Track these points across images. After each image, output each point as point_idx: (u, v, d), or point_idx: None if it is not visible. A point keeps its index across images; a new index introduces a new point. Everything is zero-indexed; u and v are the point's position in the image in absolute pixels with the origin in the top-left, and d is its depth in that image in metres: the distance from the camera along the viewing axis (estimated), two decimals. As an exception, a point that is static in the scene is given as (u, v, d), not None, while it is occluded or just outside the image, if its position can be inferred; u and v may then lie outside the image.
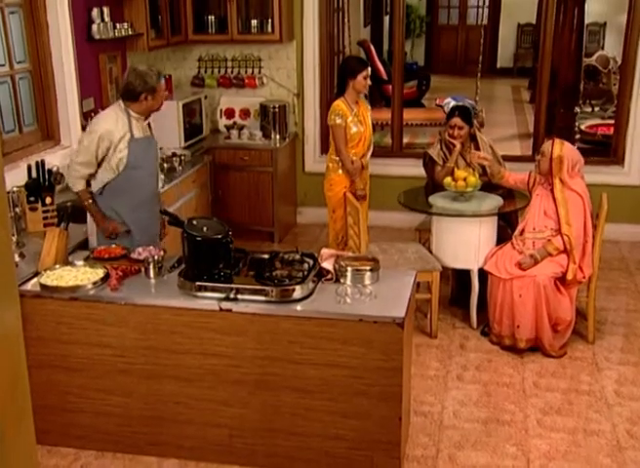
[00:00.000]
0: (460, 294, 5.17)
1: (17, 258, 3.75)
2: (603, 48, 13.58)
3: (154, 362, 3.48)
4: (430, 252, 4.92)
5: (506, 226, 5.06)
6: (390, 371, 3.25)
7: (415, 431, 3.80)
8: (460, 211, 4.79)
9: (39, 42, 4.81)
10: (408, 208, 5.02)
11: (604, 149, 7.09)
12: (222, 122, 6.70)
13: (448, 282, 5.26)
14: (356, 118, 5.07)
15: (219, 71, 6.76)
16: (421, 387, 4.21)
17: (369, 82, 5.05)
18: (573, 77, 9.18)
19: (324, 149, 6.55)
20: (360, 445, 3.39)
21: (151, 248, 3.79)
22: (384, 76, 10.59)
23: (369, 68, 5.05)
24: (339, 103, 5.04)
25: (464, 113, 5.11)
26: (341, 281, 3.49)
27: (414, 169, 6.02)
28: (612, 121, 7.48)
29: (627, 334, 4.85)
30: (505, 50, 15.75)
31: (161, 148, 5.65)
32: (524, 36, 15.65)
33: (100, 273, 3.56)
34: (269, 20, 6.25)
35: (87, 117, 5.15)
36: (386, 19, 13.49)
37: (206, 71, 6.78)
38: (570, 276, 4.46)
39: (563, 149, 4.53)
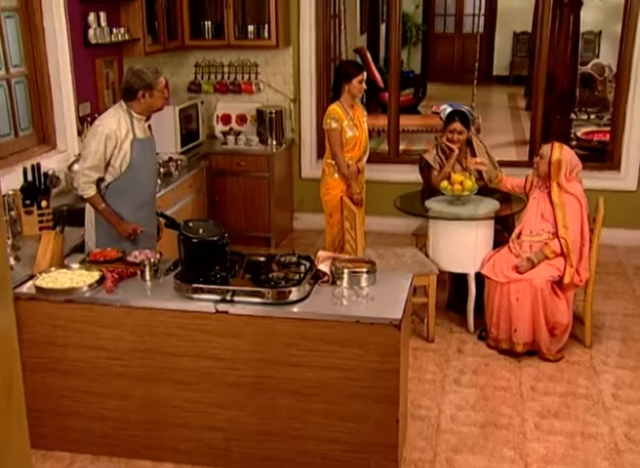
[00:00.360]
0: (456, 299, 5.15)
1: (12, 261, 3.73)
2: (598, 56, 13.65)
3: (150, 364, 3.46)
4: (427, 256, 4.91)
5: (503, 230, 5.06)
6: (387, 374, 3.24)
7: (412, 435, 3.78)
8: (457, 214, 4.79)
9: (35, 46, 4.81)
10: (404, 212, 5.02)
11: (600, 155, 7.10)
12: (219, 128, 6.70)
13: (445, 287, 5.25)
14: (352, 122, 5.07)
15: (215, 77, 6.76)
16: (419, 391, 4.19)
17: (364, 86, 5.06)
18: (569, 84, 9.21)
19: (320, 155, 6.54)
20: (357, 448, 3.37)
21: (147, 251, 3.77)
22: (381, 84, 10.62)
23: (364, 73, 5.05)
24: (334, 107, 5.05)
25: (464, 118, 5.12)
26: (338, 283, 3.48)
27: (410, 174, 6.02)
28: (608, 128, 7.51)
29: (625, 339, 4.84)
30: (501, 58, 15.80)
31: (157, 153, 5.66)
32: (520, 44, 15.70)
33: (95, 276, 3.55)
34: (266, 26, 6.27)
35: (83, 122, 5.16)
36: (383, 26, 13.54)
37: (202, 77, 6.78)
38: (567, 279, 4.45)
39: (562, 153, 4.53)
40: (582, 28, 10.27)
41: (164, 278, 3.58)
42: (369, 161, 5.54)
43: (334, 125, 5.00)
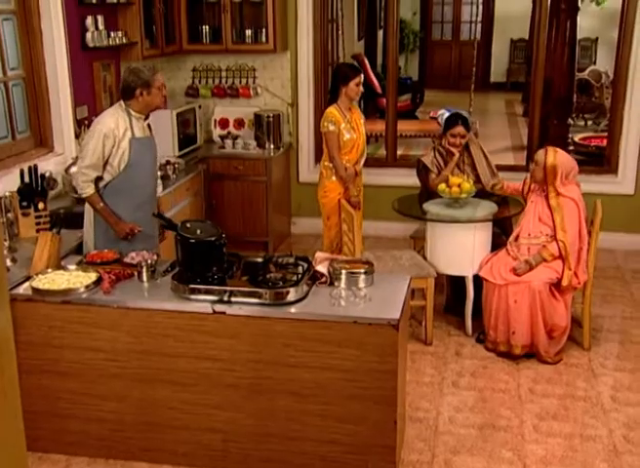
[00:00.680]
0: (454, 302, 5.15)
1: (8, 263, 3.71)
2: (595, 63, 13.69)
3: (147, 366, 3.44)
4: (425, 259, 4.90)
5: (501, 233, 5.05)
6: (385, 374, 3.23)
7: (410, 436, 3.76)
8: (455, 217, 4.79)
9: (33, 49, 4.80)
10: (402, 214, 5.01)
11: (597, 160, 7.11)
12: (217, 132, 6.70)
13: (442, 291, 5.24)
14: (349, 125, 5.07)
15: (213, 81, 6.77)
16: (417, 393, 4.18)
17: (361, 89, 5.06)
18: (566, 90, 9.21)
19: (318, 159, 6.54)
20: (355, 449, 3.35)
21: (144, 252, 3.77)
22: (379, 89, 10.62)
23: (361, 75, 5.06)
24: (331, 110, 5.05)
25: (465, 122, 5.13)
26: (336, 284, 3.47)
27: (408, 178, 6.01)
28: (605, 134, 7.53)
29: (623, 341, 4.83)
30: (499, 65, 15.83)
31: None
32: (517, 51, 15.74)
33: (92, 277, 3.54)
34: (263, 30, 6.27)
35: (80, 125, 5.15)
36: (380, 33, 13.56)
37: (200, 81, 6.78)
38: (565, 282, 4.44)
39: (557, 157, 4.53)
40: (579, 35, 10.29)
41: (161, 279, 3.57)
42: (367, 165, 5.54)
43: (331, 127, 5.00)
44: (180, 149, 6.09)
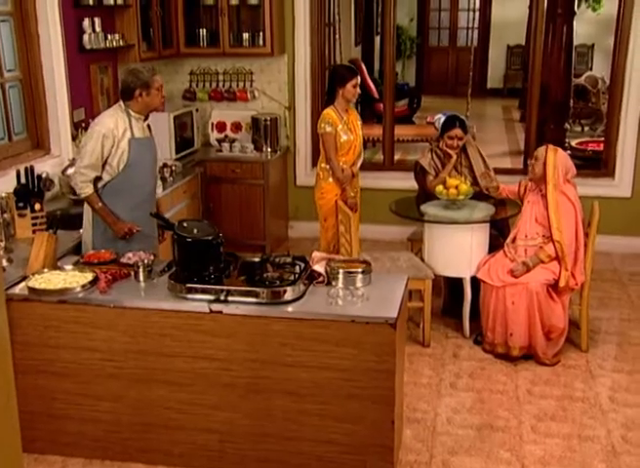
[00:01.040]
0: (452, 305, 5.13)
1: (4, 263, 3.71)
2: (591, 69, 13.74)
3: (144, 366, 3.43)
4: (422, 261, 4.89)
5: (498, 235, 5.05)
6: (383, 374, 3.21)
7: (408, 437, 3.75)
8: (452, 218, 4.78)
9: (30, 51, 4.80)
10: (400, 216, 5.00)
11: (594, 164, 7.11)
12: (214, 136, 6.70)
13: (440, 294, 5.23)
14: (346, 126, 5.07)
15: (210, 85, 6.77)
16: (414, 394, 4.16)
17: (358, 90, 5.06)
18: (562, 94, 9.24)
19: (315, 163, 6.52)
20: (353, 449, 3.34)
21: (141, 252, 3.76)
22: (376, 95, 10.65)
23: (358, 77, 5.06)
24: (328, 112, 5.05)
25: (463, 124, 5.13)
26: (333, 283, 3.46)
27: (405, 182, 6.01)
28: (602, 138, 7.54)
29: (621, 343, 4.82)
30: (495, 71, 15.87)
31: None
32: (514, 58, 15.77)
33: (88, 277, 3.52)
34: (261, 34, 6.27)
35: (77, 127, 5.15)
36: (377, 39, 13.59)
37: (197, 85, 6.78)
38: (562, 283, 4.44)
39: (557, 155, 4.54)
40: (576, 41, 10.32)
41: (158, 279, 3.56)
42: (364, 169, 5.54)
43: (328, 129, 4.99)
44: (177, 152, 6.09)
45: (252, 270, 3.47)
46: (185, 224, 3.47)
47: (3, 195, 4.14)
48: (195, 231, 3.42)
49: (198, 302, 3.30)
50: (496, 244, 4.88)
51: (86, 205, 4.11)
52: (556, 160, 4.53)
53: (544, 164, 4.56)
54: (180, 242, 3.40)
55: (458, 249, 4.75)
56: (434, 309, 4.91)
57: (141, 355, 3.41)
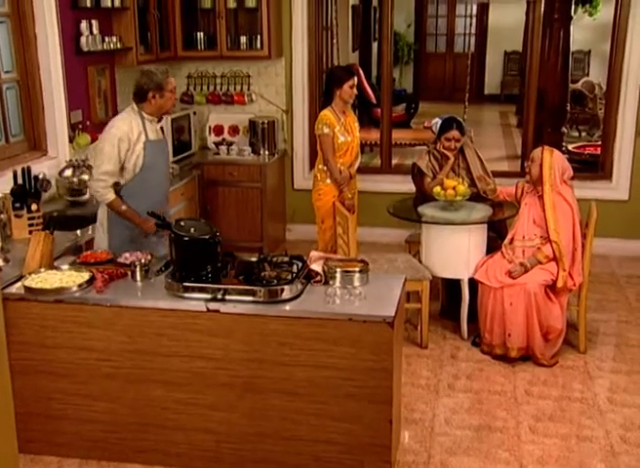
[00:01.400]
0: (450, 307, 5.13)
1: (1, 263, 3.69)
2: (588, 75, 13.78)
3: (141, 365, 3.41)
4: (420, 262, 4.89)
5: (496, 237, 5.04)
6: (380, 373, 3.20)
7: (406, 438, 3.74)
8: (450, 219, 4.78)
9: (27, 52, 4.79)
10: (398, 217, 5.00)
11: (592, 168, 7.12)
12: (211, 139, 6.69)
13: (438, 297, 5.22)
14: (343, 127, 5.07)
15: (207, 88, 6.77)
16: (412, 395, 4.15)
17: (355, 91, 5.07)
18: (560, 98, 9.26)
19: (313, 166, 6.53)
20: (350, 449, 3.32)
21: (138, 252, 3.75)
22: (373, 100, 10.66)
23: (355, 78, 5.07)
24: (326, 113, 5.05)
25: (460, 126, 5.14)
26: (331, 283, 3.45)
27: (403, 185, 6.03)
28: (598, 143, 7.55)
29: (619, 344, 4.81)
30: (493, 77, 15.92)
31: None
32: (511, 63, 15.83)
33: (85, 276, 3.51)
34: (258, 37, 6.28)
35: (74, 129, 5.13)
36: (375, 45, 13.63)
37: (195, 88, 6.78)
38: (560, 283, 4.43)
39: (553, 156, 4.56)
40: (572, 47, 10.36)
41: (155, 278, 3.55)
42: (362, 172, 5.53)
43: (325, 130, 5.00)
44: (174, 155, 6.07)
45: (249, 269, 3.46)
46: (183, 223, 3.46)
47: (0, 195, 4.13)
48: (192, 230, 3.41)
49: (195, 301, 3.29)
50: (493, 246, 4.88)
51: (101, 211, 4.13)
52: (552, 161, 4.54)
53: (541, 165, 4.57)
54: (178, 241, 3.39)
55: (455, 250, 4.74)
56: (432, 311, 4.90)
57: (138, 355, 3.40)
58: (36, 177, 4.30)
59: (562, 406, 4.05)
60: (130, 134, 3.97)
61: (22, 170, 4.24)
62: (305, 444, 3.36)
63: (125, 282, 3.54)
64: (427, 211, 4.92)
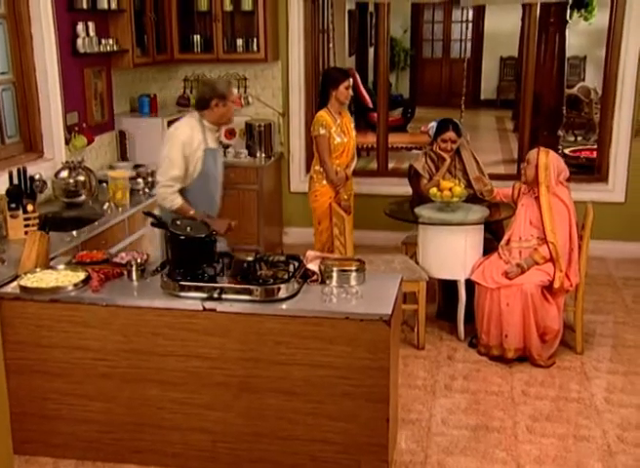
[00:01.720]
0: (446, 308, 5.12)
1: (-4, 263, 3.68)
2: (584, 80, 13.81)
3: (136, 365, 3.40)
4: (417, 264, 4.88)
5: (493, 239, 5.04)
6: (377, 371, 3.19)
7: (403, 437, 3.73)
8: (447, 220, 4.77)
9: (23, 54, 4.79)
10: (394, 218, 4.99)
11: (588, 172, 7.12)
12: (208, 142, 6.68)
13: (434, 299, 5.21)
14: (339, 129, 5.08)
15: (204, 91, 6.76)
16: (409, 396, 4.14)
17: (351, 92, 5.08)
18: (555, 101, 9.29)
19: (309, 169, 6.53)
20: (347, 448, 3.31)
21: (134, 252, 3.74)
22: (370, 104, 10.66)
23: (350, 79, 5.08)
24: (322, 114, 5.06)
25: (456, 127, 5.14)
26: (327, 282, 3.45)
27: (399, 188, 6.02)
28: (595, 146, 7.56)
29: (616, 345, 4.81)
30: (489, 82, 15.94)
31: (144, 165, 5.65)
32: (507, 69, 15.86)
33: (81, 275, 3.50)
34: (255, 40, 6.29)
35: (70, 130, 5.13)
36: (371, 50, 13.65)
37: (191, 91, 6.77)
38: (557, 284, 4.43)
39: (549, 157, 4.56)
40: (568, 53, 10.41)
41: (151, 278, 3.53)
42: (358, 175, 5.53)
43: (322, 131, 5.00)
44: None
45: (246, 268, 3.45)
46: (179, 222, 3.46)
47: (-5, 196, 4.12)
48: (188, 229, 3.41)
49: (191, 300, 3.28)
50: (490, 247, 4.87)
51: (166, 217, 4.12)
52: (548, 162, 4.54)
53: (536, 167, 4.57)
54: (174, 240, 3.38)
55: (452, 251, 4.74)
56: (429, 312, 4.90)
57: (134, 354, 3.39)
58: (32, 178, 4.30)
59: (559, 406, 4.05)
60: (192, 138, 4.06)
61: (18, 170, 4.23)
62: (302, 443, 3.35)
63: (121, 281, 3.53)
64: (424, 212, 4.92)
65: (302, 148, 6.76)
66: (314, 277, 3.47)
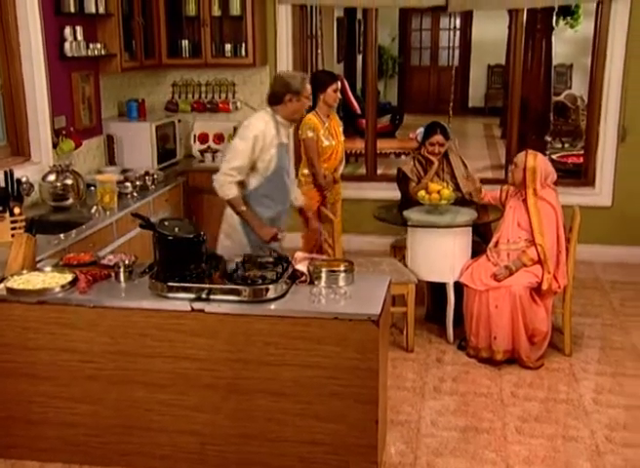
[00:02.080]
0: (435, 311, 5.12)
1: (-18, 266, 3.65)
2: (570, 87, 13.91)
3: (124, 367, 3.37)
4: (406, 267, 4.88)
5: (481, 241, 5.05)
6: (366, 372, 3.19)
7: (392, 439, 3.72)
8: (435, 223, 4.78)
9: (10, 57, 4.76)
10: (383, 221, 4.99)
11: (576, 177, 7.16)
12: (196, 147, 6.68)
13: (423, 301, 5.22)
14: (328, 132, 5.09)
15: (192, 96, 6.77)
16: (398, 398, 4.13)
17: (339, 95, 5.09)
18: (542, 107, 9.34)
19: (297, 172, 6.54)
20: (336, 449, 3.30)
21: (122, 254, 3.72)
22: (358, 110, 10.70)
23: (338, 82, 5.09)
24: (310, 117, 5.06)
25: (444, 131, 5.16)
26: (316, 283, 3.44)
27: (388, 192, 6.02)
28: (582, 152, 7.60)
29: (604, 347, 4.82)
30: (476, 90, 16.03)
31: (131, 170, 5.64)
32: (494, 77, 15.95)
33: (68, 277, 3.47)
34: (243, 45, 6.29)
35: (58, 134, 5.11)
36: (360, 58, 13.70)
37: (180, 96, 6.78)
38: (545, 286, 4.44)
39: (536, 160, 4.57)
40: (555, 61, 10.49)
41: (139, 280, 3.51)
42: (347, 180, 5.52)
43: (310, 134, 5.01)
44: (159, 163, 6.05)
45: (234, 269, 3.44)
46: (167, 223, 3.44)
47: (-18, 199, 4.09)
48: (176, 230, 3.40)
49: (179, 301, 3.26)
50: (478, 250, 4.88)
51: (227, 212, 4.23)
52: (535, 165, 4.56)
53: (524, 169, 4.58)
54: (162, 240, 3.37)
55: (440, 254, 4.74)
56: (417, 315, 4.89)
57: (122, 356, 3.36)
58: (19, 181, 4.27)
59: (548, 407, 4.05)
60: (266, 133, 4.04)
61: (5, 173, 4.21)
62: (291, 445, 3.33)
63: (108, 283, 3.51)
64: (413, 215, 4.92)
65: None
66: (303, 278, 3.46)
